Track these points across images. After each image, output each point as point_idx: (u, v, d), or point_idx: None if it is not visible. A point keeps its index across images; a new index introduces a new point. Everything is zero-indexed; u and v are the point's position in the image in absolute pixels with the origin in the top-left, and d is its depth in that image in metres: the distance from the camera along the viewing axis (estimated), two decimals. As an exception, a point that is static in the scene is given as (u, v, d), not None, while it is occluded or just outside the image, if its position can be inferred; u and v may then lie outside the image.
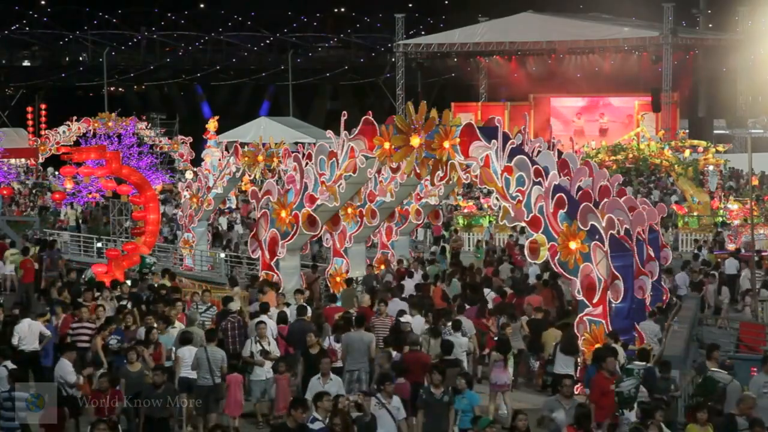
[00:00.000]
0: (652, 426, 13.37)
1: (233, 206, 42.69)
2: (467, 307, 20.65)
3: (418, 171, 21.13)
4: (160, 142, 58.90)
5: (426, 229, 37.63)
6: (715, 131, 69.16)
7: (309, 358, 16.81)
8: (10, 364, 16.16)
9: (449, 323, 18.75)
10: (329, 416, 13.30)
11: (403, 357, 16.75)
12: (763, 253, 30.44)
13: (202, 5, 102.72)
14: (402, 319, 19.11)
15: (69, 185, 34.55)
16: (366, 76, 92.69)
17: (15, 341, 18.33)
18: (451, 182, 22.02)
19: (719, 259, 30.12)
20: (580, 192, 20.09)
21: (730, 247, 32.91)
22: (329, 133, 24.03)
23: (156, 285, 23.17)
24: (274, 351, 17.43)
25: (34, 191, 52.27)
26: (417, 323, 19.26)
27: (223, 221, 39.38)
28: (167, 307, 19.36)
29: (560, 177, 20.08)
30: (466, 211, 39.03)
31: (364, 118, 22.10)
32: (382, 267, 26.68)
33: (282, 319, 19.14)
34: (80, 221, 40.97)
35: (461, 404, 14.65)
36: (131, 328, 18.65)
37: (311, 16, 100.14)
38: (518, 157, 19.56)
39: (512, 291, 22.78)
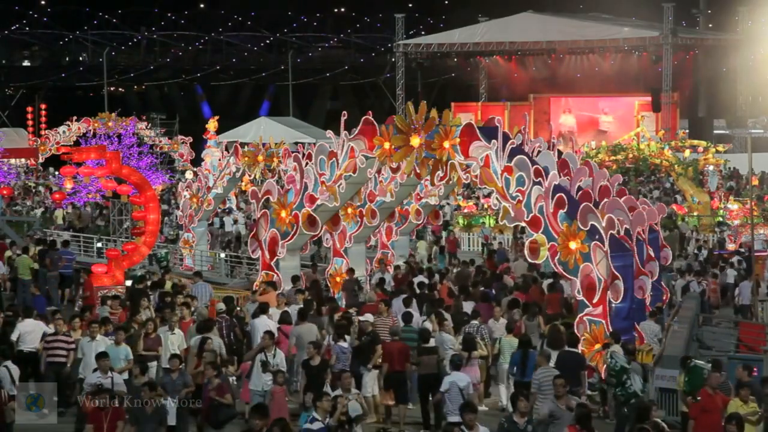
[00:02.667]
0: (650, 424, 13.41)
1: (233, 206, 42.72)
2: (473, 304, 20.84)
3: (418, 171, 21.14)
4: (160, 142, 58.90)
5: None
6: (715, 131, 69.09)
7: (309, 370, 16.50)
8: (11, 365, 16.16)
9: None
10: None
11: (382, 346, 17.43)
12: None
13: (202, 5, 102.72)
14: (361, 318, 19.30)
15: (69, 185, 34.54)
16: (366, 76, 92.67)
17: (14, 337, 18.30)
18: (451, 182, 22.03)
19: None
20: (580, 192, 20.09)
21: (730, 247, 32.91)
22: (329, 133, 24.05)
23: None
24: (280, 363, 16.68)
25: (33, 191, 52.31)
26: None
27: (228, 221, 39.39)
28: (171, 312, 19.03)
29: (560, 177, 20.09)
30: (466, 211, 39.03)
31: (364, 118, 22.12)
32: (376, 267, 26.71)
33: (284, 319, 19.16)
34: (67, 221, 41.01)
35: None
36: (151, 336, 17.94)
37: (311, 16, 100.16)
38: (518, 157, 19.58)
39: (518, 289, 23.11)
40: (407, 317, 18.91)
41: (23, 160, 62.27)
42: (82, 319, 19.10)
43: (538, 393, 14.90)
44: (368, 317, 19.24)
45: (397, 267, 26.27)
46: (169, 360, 16.22)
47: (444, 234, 36.12)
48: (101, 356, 16.06)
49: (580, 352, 17.46)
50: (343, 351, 17.41)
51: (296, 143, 44.87)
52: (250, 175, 32.48)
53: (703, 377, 15.50)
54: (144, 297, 21.18)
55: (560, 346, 17.51)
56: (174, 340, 17.82)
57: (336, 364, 17.11)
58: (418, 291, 22.75)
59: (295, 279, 23.06)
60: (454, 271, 26.51)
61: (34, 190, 52.13)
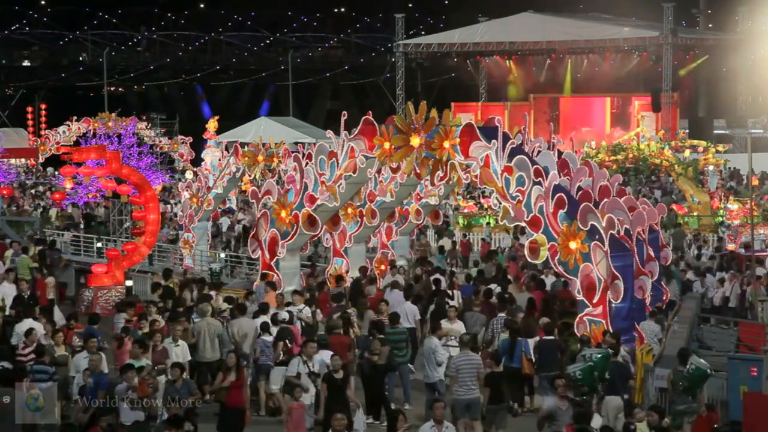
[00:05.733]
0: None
1: (233, 206, 42.68)
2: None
3: (418, 171, 21.14)
4: (160, 142, 58.89)
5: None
6: (715, 131, 69.08)
7: (333, 383, 15.77)
8: (7, 364, 16.11)
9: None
10: None
11: (327, 339, 17.84)
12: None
13: (202, 5, 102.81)
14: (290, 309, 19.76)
15: (69, 185, 34.57)
16: (366, 76, 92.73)
17: (15, 341, 18.26)
18: (451, 182, 22.03)
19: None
20: (580, 192, 20.09)
21: (730, 247, 32.87)
22: (329, 133, 24.06)
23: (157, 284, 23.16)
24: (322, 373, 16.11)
25: (33, 191, 52.28)
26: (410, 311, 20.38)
27: (225, 221, 39.31)
28: (182, 321, 18.44)
29: (560, 177, 20.09)
30: (466, 211, 38.99)
31: (364, 118, 22.12)
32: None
33: (292, 321, 19.19)
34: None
35: None
36: (158, 347, 17.19)
37: (311, 16, 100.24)
38: (518, 157, 19.58)
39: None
40: (394, 318, 19.02)
41: (23, 160, 62.29)
42: (69, 329, 18.23)
43: (456, 376, 15.79)
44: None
45: (400, 267, 26.31)
46: (170, 370, 15.75)
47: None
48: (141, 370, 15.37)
49: (557, 338, 17.94)
50: (266, 345, 17.88)
51: (296, 143, 44.82)
52: (250, 175, 32.44)
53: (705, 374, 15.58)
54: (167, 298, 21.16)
55: (534, 334, 18.08)
56: (178, 352, 17.38)
57: (260, 357, 17.75)
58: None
59: (338, 279, 23.48)
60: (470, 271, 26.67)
61: (33, 191, 52.11)
